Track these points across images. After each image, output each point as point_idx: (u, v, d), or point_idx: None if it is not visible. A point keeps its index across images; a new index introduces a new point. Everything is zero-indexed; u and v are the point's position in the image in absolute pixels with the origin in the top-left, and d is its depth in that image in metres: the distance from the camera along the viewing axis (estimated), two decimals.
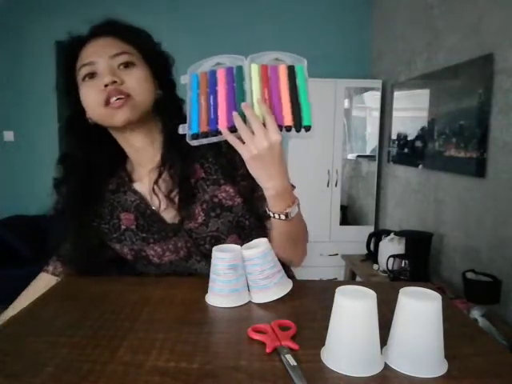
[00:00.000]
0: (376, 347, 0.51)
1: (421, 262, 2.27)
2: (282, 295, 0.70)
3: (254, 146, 0.65)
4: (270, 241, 0.75)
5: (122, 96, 0.76)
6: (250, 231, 0.85)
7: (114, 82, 0.76)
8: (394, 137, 3.06)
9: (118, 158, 0.89)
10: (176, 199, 0.82)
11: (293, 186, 0.84)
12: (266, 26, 3.40)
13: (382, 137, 3.31)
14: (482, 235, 2.02)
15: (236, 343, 0.57)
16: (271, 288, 0.69)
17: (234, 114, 0.66)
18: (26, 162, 3.61)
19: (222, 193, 0.83)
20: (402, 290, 0.53)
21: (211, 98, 0.69)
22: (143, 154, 0.86)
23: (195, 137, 0.68)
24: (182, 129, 0.69)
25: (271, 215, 0.74)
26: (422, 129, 2.60)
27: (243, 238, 0.84)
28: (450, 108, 2.26)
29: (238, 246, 0.72)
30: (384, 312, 0.53)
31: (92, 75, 0.78)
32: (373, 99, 3.34)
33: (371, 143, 3.42)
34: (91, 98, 0.78)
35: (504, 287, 1.78)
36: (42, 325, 0.63)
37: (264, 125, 0.65)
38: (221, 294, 0.69)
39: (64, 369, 0.50)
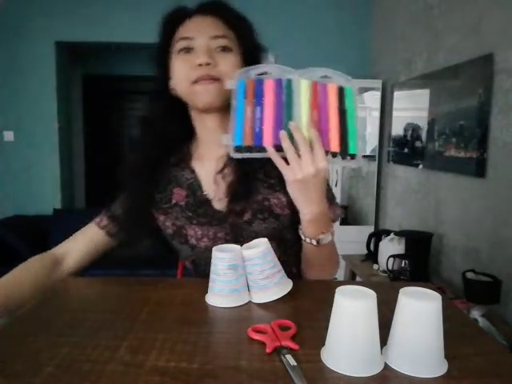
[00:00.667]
0: (376, 347, 0.51)
1: (421, 262, 2.26)
2: (282, 295, 0.70)
3: (300, 171, 0.64)
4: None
5: (212, 80, 0.77)
6: (291, 245, 0.85)
7: (208, 64, 0.76)
8: (394, 137, 3.07)
9: (186, 135, 0.90)
10: (230, 191, 0.83)
11: (340, 210, 0.86)
12: (267, 25, 3.40)
13: (382, 137, 3.31)
14: (482, 235, 2.02)
15: (236, 343, 0.57)
16: (271, 288, 0.69)
17: (282, 133, 0.64)
18: (26, 162, 3.62)
19: (274, 199, 0.83)
20: (401, 290, 0.53)
21: (258, 109, 0.66)
22: (213, 135, 0.85)
23: (238, 149, 0.66)
24: (226, 139, 0.66)
25: (302, 238, 0.74)
26: (422, 129, 2.60)
27: (282, 248, 0.84)
28: (450, 108, 2.26)
29: (238, 246, 0.72)
30: (384, 312, 0.53)
31: (188, 50, 0.78)
32: (373, 99, 3.34)
33: (371, 143, 3.42)
34: (181, 72, 0.79)
35: (504, 287, 1.78)
36: (42, 325, 0.63)
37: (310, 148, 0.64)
38: (221, 294, 0.69)
39: (64, 369, 0.50)
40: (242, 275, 0.70)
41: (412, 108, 2.88)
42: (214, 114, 0.83)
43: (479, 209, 2.04)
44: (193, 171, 0.87)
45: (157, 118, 0.87)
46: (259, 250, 0.69)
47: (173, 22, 0.82)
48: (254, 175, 0.83)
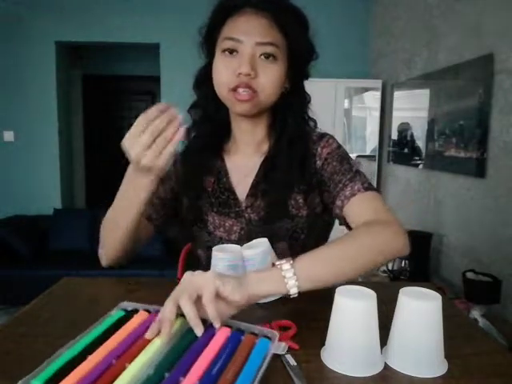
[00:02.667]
0: (376, 347, 0.51)
1: (421, 262, 2.27)
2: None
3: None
4: None
5: (250, 91, 0.75)
6: (304, 246, 0.82)
7: (249, 74, 0.74)
8: (394, 137, 3.07)
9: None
10: (253, 185, 0.85)
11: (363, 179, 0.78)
12: None
13: (382, 137, 3.31)
14: (482, 235, 2.02)
15: None
16: None
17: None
18: (26, 161, 3.61)
19: (291, 200, 0.83)
20: (402, 290, 0.53)
21: None
22: (246, 136, 0.87)
23: None
24: None
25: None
26: (422, 129, 2.61)
27: (295, 250, 0.80)
28: (450, 108, 2.26)
29: (238, 246, 0.72)
30: (384, 312, 0.53)
31: (232, 51, 0.76)
32: (373, 99, 3.34)
33: (371, 143, 3.42)
34: (222, 76, 0.77)
35: (504, 287, 1.78)
36: (42, 325, 0.63)
37: None
38: None
39: None
40: None
41: (412, 108, 2.88)
42: (249, 118, 0.83)
43: (479, 209, 2.04)
44: (222, 159, 0.89)
45: (205, 102, 0.86)
46: (259, 250, 0.69)
47: (224, 10, 0.78)
48: (274, 175, 0.83)
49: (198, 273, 0.56)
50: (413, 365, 0.50)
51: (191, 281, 0.55)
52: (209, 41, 0.82)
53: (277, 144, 0.84)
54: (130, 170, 0.70)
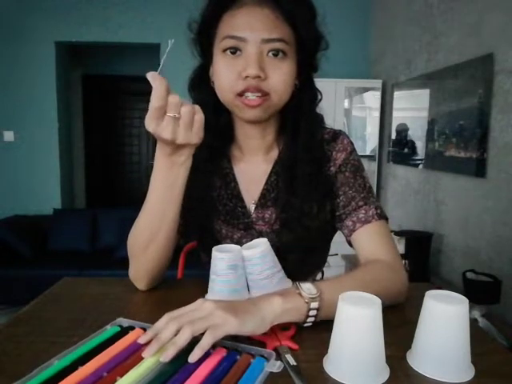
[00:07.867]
0: (380, 356, 0.50)
1: (421, 262, 2.27)
2: None
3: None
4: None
5: (260, 94, 0.67)
6: (316, 253, 0.80)
7: (258, 76, 0.66)
8: (393, 137, 3.07)
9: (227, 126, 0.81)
10: (263, 195, 0.79)
11: (376, 209, 0.74)
12: None
13: (382, 137, 3.31)
14: (482, 235, 2.02)
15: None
16: (271, 288, 0.69)
17: None
18: (26, 162, 3.62)
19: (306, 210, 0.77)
20: (428, 294, 0.52)
21: None
22: (253, 143, 0.80)
23: None
24: None
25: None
26: (422, 129, 2.61)
27: (306, 261, 0.78)
28: (450, 108, 2.26)
29: (238, 246, 0.72)
30: (384, 312, 0.53)
31: (235, 51, 0.67)
32: (373, 99, 3.34)
33: (371, 143, 3.42)
34: (225, 80, 0.68)
35: (504, 287, 1.78)
36: (42, 325, 0.63)
37: None
38: (221, 294, 0.69)
39: None
40: (242, 275, 0.70)
41: (412, 108, 2.88)
42: (257, 124, 0.76)
43: (479, 209, 2.04)
44: (229, 161, 0.82)
45: (203, 108, 0.75)
46: (259, 250, 0.69)
47: (220, 2, 0.70)
48: (295, 186, 0.76)
49: (213, 305, 0.51)
50: (441, 369, 0.49)
51: (209, 315, 0.50)
52: (203, 39, 0.74)
53: (290, 150, 0.77)
54: (160, 156, 0.63)
